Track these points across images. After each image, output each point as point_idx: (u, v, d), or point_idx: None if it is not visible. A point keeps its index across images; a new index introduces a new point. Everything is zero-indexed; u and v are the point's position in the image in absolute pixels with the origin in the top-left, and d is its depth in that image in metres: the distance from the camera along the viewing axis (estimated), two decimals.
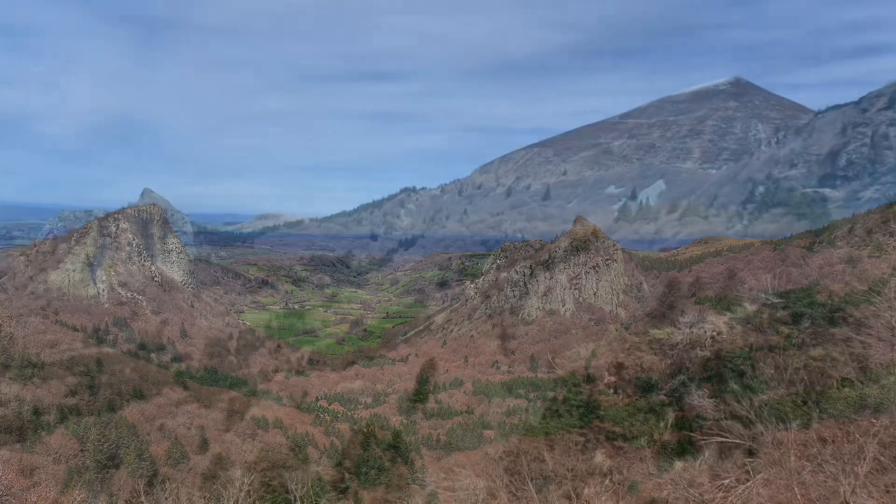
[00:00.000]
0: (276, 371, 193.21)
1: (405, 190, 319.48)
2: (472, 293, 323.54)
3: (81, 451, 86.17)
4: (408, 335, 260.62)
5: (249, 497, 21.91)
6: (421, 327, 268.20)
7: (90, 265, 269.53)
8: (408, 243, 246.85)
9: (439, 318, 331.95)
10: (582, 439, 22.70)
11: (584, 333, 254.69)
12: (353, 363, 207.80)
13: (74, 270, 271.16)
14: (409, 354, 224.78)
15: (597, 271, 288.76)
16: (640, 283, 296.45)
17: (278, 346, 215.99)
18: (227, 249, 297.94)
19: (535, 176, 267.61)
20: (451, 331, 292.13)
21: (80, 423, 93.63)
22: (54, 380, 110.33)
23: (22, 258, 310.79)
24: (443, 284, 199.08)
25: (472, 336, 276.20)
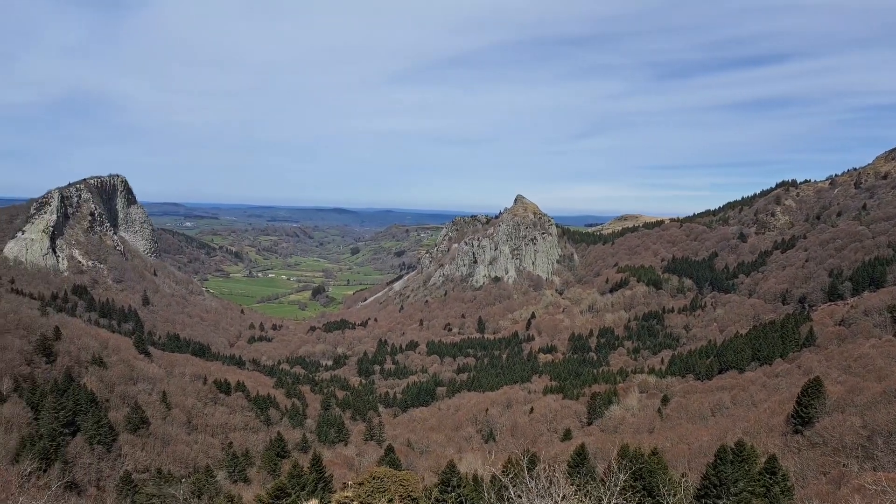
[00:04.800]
0: None
1: (782, 184, 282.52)
2: (427, 262, 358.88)
3: (35, 419, 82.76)
4: None
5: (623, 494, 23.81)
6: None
7: (51, 236, 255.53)
8: (785, 245, 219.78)
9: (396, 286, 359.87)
10: None
11: (525, 298, 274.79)
12: None
13: (33, 240, 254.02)
14: None
15: (534, 243, 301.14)
16: (571, 254, 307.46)
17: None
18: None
19: None
20: (409, 297, 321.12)
21: (34, 391, 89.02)
22: (6, 349, 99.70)
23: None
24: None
25: (426, 301, 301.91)
